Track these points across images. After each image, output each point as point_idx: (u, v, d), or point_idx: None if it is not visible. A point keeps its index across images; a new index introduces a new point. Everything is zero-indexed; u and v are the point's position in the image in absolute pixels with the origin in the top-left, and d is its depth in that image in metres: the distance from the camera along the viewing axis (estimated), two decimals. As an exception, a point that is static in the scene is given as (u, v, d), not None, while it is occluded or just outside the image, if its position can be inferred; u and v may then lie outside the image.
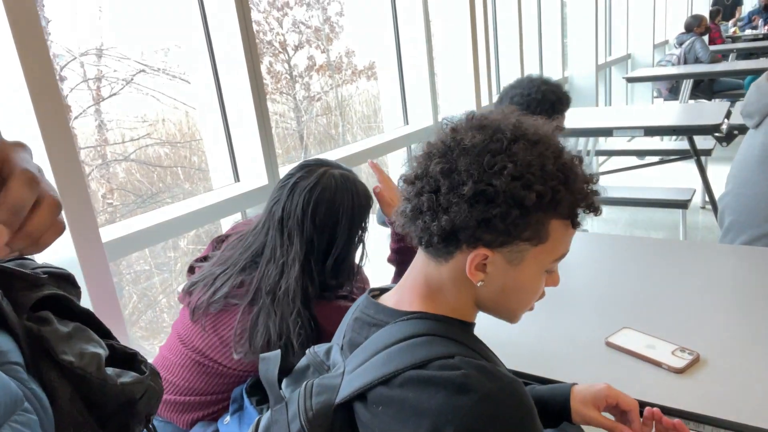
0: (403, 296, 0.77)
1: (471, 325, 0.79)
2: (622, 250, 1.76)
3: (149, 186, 3.85)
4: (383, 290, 0.83)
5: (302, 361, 0.83)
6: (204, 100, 1.92)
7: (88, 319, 0.52)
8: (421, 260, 0.77)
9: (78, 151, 1.28)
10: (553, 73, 4.60)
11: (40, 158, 1.20)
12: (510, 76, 3.87)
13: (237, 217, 1.87)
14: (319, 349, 0.82)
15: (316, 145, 5.04)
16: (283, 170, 2.06)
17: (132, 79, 3.67)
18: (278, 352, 0.83)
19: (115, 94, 3.67)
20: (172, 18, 1.92)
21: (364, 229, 1.16)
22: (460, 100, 3.03)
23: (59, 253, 1.26)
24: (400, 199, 0.77)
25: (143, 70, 3.59)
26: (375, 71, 3.32)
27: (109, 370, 0.48)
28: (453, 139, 0.71)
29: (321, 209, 1.08)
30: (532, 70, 4.42)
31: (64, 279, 0.54)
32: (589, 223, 4.44)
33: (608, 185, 4.64)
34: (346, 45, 5.21)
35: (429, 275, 0.76)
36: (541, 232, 0.70)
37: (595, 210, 0.73)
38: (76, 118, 3.51)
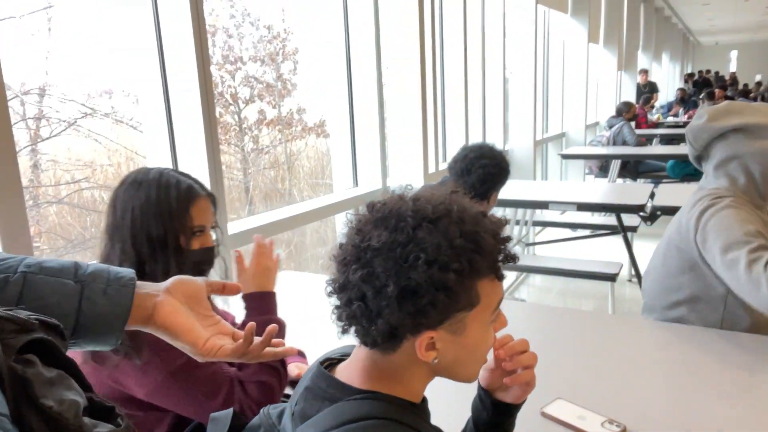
0: (355, 371, 0.76)
1: (424, 403, 0.80)
2: (556, 321, 1.84)
3: (81, 231, 3.69)
4: (334, 360, 0.82)
5: (254, 420, 0.82)
6: (154, 147, 1.91)
7: (71, 370, 0.53)
8: (365, 351, 0.76)
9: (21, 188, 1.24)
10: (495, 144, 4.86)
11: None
12: (455, 143, 4.05)
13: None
14: (273, 410, 0.82)
15: (262, 199, 5.03)
16: (231, 225, 2.05)
17: (75, 122, 3.58)
18: (230, 411, 0.82)
19: (55, 135, 3.57)
20: (124, 59, 1.92)
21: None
22: (409, 163, 3.14)
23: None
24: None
25: (88, 114, 3.52)
26: (325, 129, 3.40)
27: (86, 420, 0.49)
28: (361, 240, 0.72)
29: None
30: (476, 139, 4.65)
31: (53, 329, 0.54)
32: (525, 291, 4.56)
33: (543, 255, 4.85)
34: (297, 102, 5.32)
35: (378, 362, 0.75)
36: (472, 298, 0.72)
37: (513, 259, 0.76)
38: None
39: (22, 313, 0.52)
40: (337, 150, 3.05)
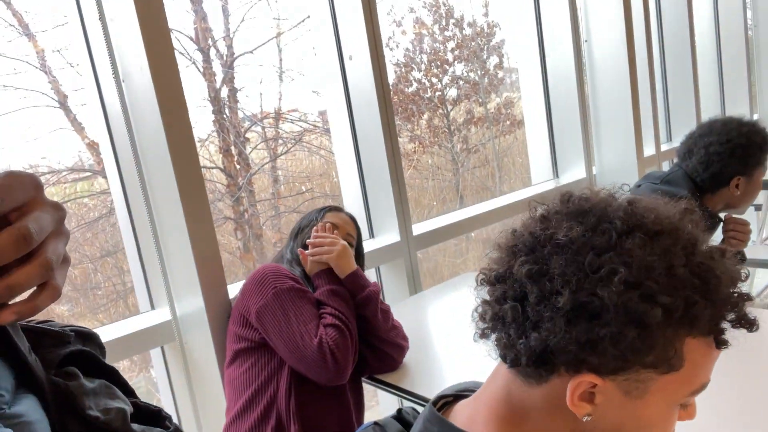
0: (477, 413, 0.61)
1: None
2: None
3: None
4: (452, 398, 0.68)
5: None
6: (345, 167, 2.02)
7: (114, 377, 0.53)
8: (504, 376, 0.60)
9: (209, 210, 1.41)
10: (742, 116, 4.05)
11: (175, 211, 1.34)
12: (682, 122, 3.47)
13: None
14: None
15: (471, 196, 5.03)
16: (417, 227, 2.06)
17: (300, 139, 4.04)
18: (396, 424, 0.75)
19: (288, 152, 4.08)
20: (322, 84, 2.05)
21: None
22: (619, 147, 2.77)
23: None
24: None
25: (310, 130, 3.93)
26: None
27: (135, 426, 0.49)
28: (543, 230, 0.56)
29: None
30: (711, 113, 3.94)
31: (90, 338, 0.55)
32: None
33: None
34: (504, 96, 5.20)
35: (514, 395, 0.59)
36: (672, 357, 0.52)
37: (750, 324, 0.54)
38: (254, 173, 3.94)
39: (56, 325, 0.52)
40: (534, 139, 2.84)
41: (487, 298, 0.59)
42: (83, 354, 0.51)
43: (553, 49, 2.66)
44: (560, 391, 0.54)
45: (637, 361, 0.52)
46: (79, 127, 2.95)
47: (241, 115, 3.78)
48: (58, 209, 0.39)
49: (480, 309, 0.60)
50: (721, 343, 0.54)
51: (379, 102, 1.84)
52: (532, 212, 0.60)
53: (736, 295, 0.53)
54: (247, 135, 3.89)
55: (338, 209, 1.51)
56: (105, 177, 2.73)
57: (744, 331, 0.55)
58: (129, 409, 0.50)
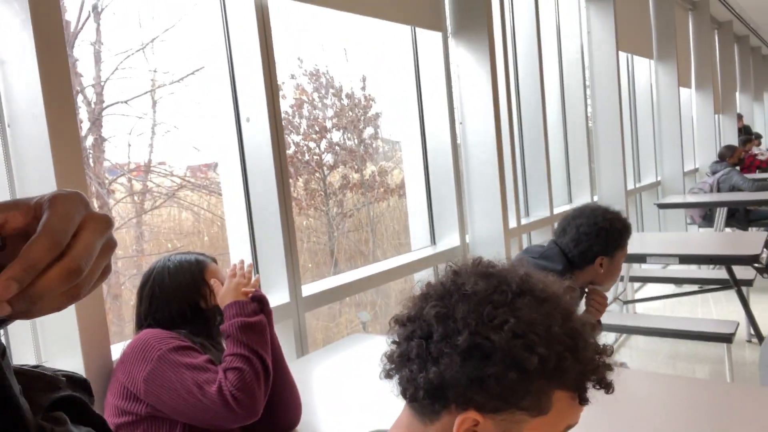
0: None
1: None
2: (665, 390, 1.63)
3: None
4: None
5: None
6: (233, 218, 1.96)
7: (100, 427, 0.51)
8: (406, 416, 0.69)
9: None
10: (582, 197, 4.63)
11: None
12: (537, 200, 3.90)
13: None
14: None
15: (346, 261, 5.08)
16: (306, 288, 2.05)
17: (174, 194, 3.85)
18: None
19: (156, 208, 3.85)
20: (213, 137, 2.02)
21: None
22: (488, 219, 3.04)
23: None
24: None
25: (183, 186, 3.77)
26: (405, 190, 3.39)
27: None
28: (454, 282, 0.66)
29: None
30: (559, 194, 4.46)
31: (80, 384, 0.53)
32: (627, 354, 4.20)
33: (647, 313, 4.45)
34: (379, 164, 5.44)
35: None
36: (543, 403, 0.61)
37: (607, 387, 0.64)
38: (117, 228, 3.66)
39: (48, 370, 0.50)
40: (414, 209, 3.02)
41: (396, 338, 0.67)
42: (73, 400, 0.49)
43: (432, 127, 2.89)
44: (449, 428, 0.63)
45: (515, 403, 0.61)
46: None
47: (107, 164, 3.55)
48: (107, 225, 0.40)
49: (389, 350, 0.68)
50: (582, 400, 0.64)
51: (275, 164, 1.85)
52: (446, 268, 0.70)
53: (600, 361, 0.64)
54: (112, 187, 3.64)
55: (213, 260, 1.44)
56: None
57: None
58: None
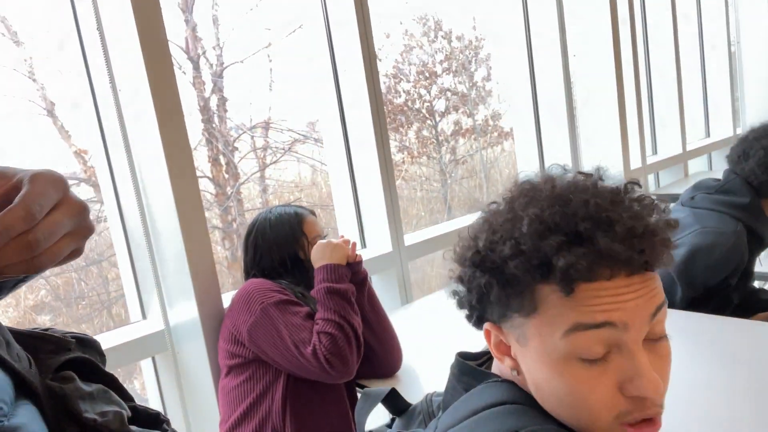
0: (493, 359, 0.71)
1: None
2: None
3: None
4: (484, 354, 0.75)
5: (416, 405, 0.83)
6: (338, 177, 2.02)
7: (112, 383, 0.53)
8: None
9: (203, 210, 1.40)
10: (723, 130, 4.13)
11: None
12: (667, 135, 3.54)
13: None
14: (437, 398, 0.80)
15: (459, 207, 5.05)
16: (408, 237, 2.07)
17: (290, 148, 4.04)
18: (385, 389, 0.85)
19: (275, 162, 4.07)
20: (317, 95, 2.06)
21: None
22: (608, 156, 2.81)
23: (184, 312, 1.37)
24: None
25: (298, 140, 3.93)
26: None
27: (134, 428, 0.50)
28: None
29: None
30: (696, 129, 4.02)
31: (90, 345, 0.55)
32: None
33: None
34: (492, 108, 5.25)
35: None
36: (527, 301, 0.57)
37: (564, 273, 0.54)
38: (242, 183, 3.93)
39: (58, 332, 0.53)
40: (523, 152, 2.88)
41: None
42: (83, 361, 0.52)
43: (542, 62, 2.70)
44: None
45: (507, 308, 0.59)
46: (66, 135, 2.92)
47: (230, 124, 3.78)
48: (81, 211, 0.42)
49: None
50: (564, 291, 0.54)
51: (372, 114, 1.85)
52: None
53: (552, 244, 0.55)
54: (236, 144, 3.89)
55: (312, 212, 1.48)
56: (91, 185, 2.70)
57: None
58: (126, 412, 0.50)
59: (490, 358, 0.71)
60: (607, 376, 0.55)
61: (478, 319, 0.65)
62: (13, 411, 0.41)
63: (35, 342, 0.49)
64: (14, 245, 0.38)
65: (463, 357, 0.72)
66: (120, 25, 1.31)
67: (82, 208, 0.42)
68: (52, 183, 0.40)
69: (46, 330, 0.52)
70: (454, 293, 0.66)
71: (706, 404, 1.09)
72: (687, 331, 1.40)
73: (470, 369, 0.67)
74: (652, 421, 0.55)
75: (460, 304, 0.66)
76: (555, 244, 0.54)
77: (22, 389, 0.44)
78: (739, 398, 1.11)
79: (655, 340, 0.57)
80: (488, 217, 0.63)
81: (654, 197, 0.60)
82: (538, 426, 0.56)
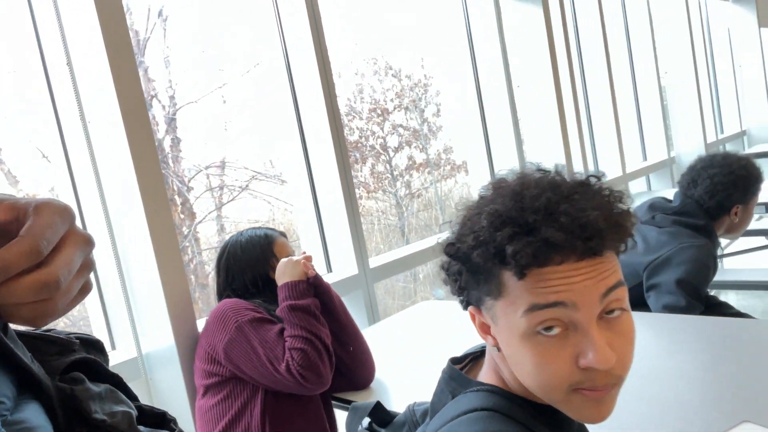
0: (482, 363, 0.75)
1: (546, 407, 0.68)
2: (736, 334, 1.58)
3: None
4: (478, 353, 0.79)
5: (400, 417, 0.86)
6: (302, 206, 2.08)
7: (118, 383, 0.54)
8: None
9: (179, 249, 1.42)
10: (657, 154, 4.42)
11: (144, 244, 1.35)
12: (608, 162, 3.77)
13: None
14: (419, 407, 0.85)
15: (417, 239, 5.15)
16: (373, 260, 2.13)
17: (247, 186, 4.05)
18: (372, 402, 0.89)
19: (232, 200, 4.06)
20: (276, 131, 2.13)
21: None
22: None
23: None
24: None
25: (255, 177, 3.95)
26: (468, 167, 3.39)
27: (142, 428, 0.50)
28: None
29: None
30: (633, 153, 4.29)
31: (94, 345, 0.55)
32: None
33: (739, 268, 4.20)
34: (444, 143, 5.42)
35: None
36: (493, 285, 0.65)
37: (516, 259, 0.60)
38: (199, 222, 3.89)
39: (62, 333, 0.52)
40: (477, 183, 3.02)
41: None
42: (88, 361, 0.51)
43: (488, 92, 2.87)
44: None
45: (479, 291, 0.67)
46: (14, 181, 2.86)
47: (184, 164, 3.77)
48: (88, 243, 0.40)
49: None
50: (517, 274, 0.61)
51: (335, 147, 1.94)
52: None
53: (495, 232, 0.62)
54: (191, 184, 3.87)
55: (282, 234, 1.54)
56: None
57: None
58: (134, 412, 0.51)
59: (473, 359, 0.78)
60: (564, 350, 0.62)
61: (466, 303, 0.72)
62: (17, 407, 0.41)
63: (38, 343, 0.48)
64: (28, 282, 0.34)
65: (453, 361, 0.78)
66: (96, 83, 1.36)
67: (89, 241, 0.39)
68: (59, 214, 0.37)
69: (48, 331, 0.51)
70: (445, 282, 0.73)
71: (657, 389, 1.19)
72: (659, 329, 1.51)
73: (458, 374, 0.74)
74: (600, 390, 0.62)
75: (452, 292, 0.73)
76: (507, 234, 0.62)
77: (32, 391, 0.43)
78: (684, 383, 1.22)
79: (614, 318, 0.63)
80: (464, 212, 0.70)
81: (616, 190, 0.69)
82: (503, 427, 0.63)
